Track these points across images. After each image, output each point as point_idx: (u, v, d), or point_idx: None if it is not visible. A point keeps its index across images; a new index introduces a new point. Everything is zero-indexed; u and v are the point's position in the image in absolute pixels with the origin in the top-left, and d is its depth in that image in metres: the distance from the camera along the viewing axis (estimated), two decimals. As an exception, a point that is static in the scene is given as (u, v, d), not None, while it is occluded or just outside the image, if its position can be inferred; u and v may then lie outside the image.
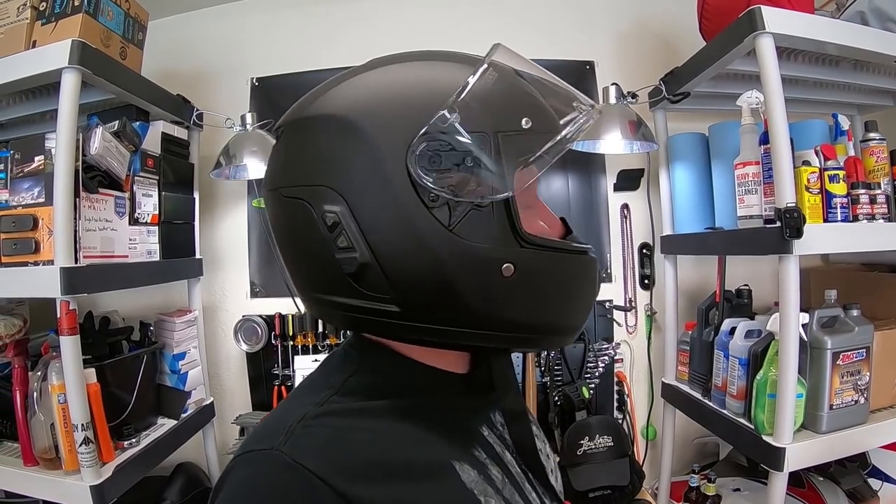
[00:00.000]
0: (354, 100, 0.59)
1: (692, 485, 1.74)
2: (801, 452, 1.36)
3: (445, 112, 0.54)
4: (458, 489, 0.55)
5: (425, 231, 0.55)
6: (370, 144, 0.55)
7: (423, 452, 0.56)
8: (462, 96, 0.54)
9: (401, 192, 0.55)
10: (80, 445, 1.32)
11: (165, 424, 1.72)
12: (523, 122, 0.57)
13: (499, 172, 0.55)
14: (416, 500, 0.52)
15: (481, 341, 0.59)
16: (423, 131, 0.54)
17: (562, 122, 0.60)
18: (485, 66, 0.56)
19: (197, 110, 1.90)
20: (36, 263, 1.34)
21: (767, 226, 1.41)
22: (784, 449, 1.34)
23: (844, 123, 1.56)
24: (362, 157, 0.56)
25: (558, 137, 0.58)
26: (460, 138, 0.54)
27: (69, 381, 1.31)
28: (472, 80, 0.54)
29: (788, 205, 1.30)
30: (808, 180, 1.37)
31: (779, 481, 1.37)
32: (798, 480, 1.68)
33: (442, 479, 0.55)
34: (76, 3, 1.41)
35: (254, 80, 2.14)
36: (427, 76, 0.60)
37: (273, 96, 2.13)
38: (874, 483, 1.68)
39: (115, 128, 1.50)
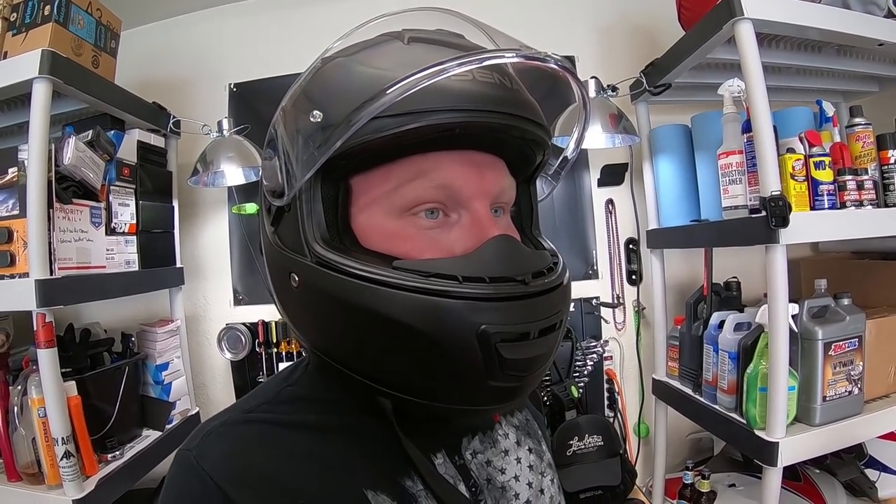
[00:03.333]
0: None
1: (686, 481, 1.72)
2: (795, 446, 1.34)
3: (275, 118, 0.56)
4: None
5: (262, 235, 0.61)
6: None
7: (332, 476, 0.53)
8: (285, 101, 0.55)
9: (261, 196, 0.60)
10: (62, 459, 1.31)
11: (150, 436, 1.70)
12: (312, 115, 0.50)
13: (292, 171, 0.52)
14: None
15: (324, 356, 0.57)
16: (271, 131, 0.57)
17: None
18: (313, 64, 0.55)
19: (174, 117, 1.88)
20: (12, 276, 1.32)
21: (753, 216, 1.39)
22: (777, 443, 1.32)
23: (829, 110, 1.54)
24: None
25: (355, 121, 0.47)
26: (280, 141, 0.54)
27: (48, 395, 1.29)
28: (294, 86, 0.55)
29: (773, 193, 1.28)
30: (793, 168, 1.35)
31: (773, 476, 1.35)
32: (794, 474, 1.66)
33: None
34: (45, 13, 1.40)
35: (232, 86, 2.14)
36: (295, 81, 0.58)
37: (252, 102, 2.12)
38: (871, 473, 1.66)
39: (89, 137, 1.48)
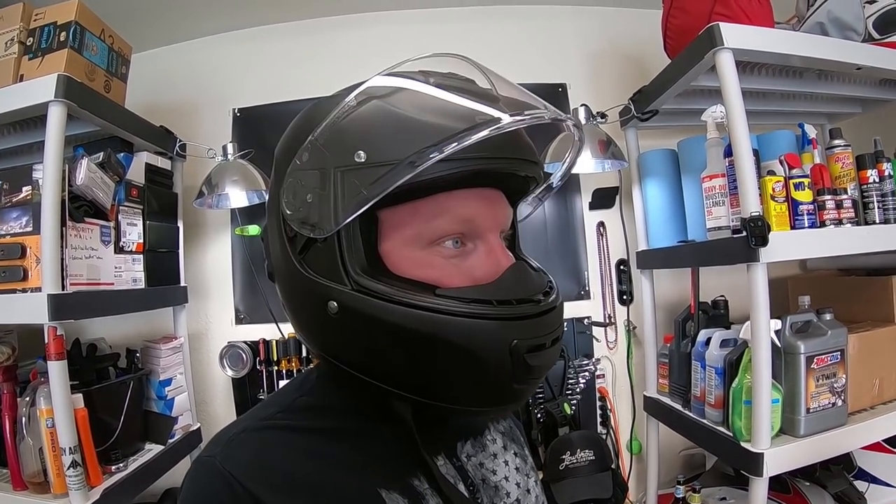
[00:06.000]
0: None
1: (678, 496, 1.74)
2: (780, 457, 1.38)
3: (304, 148, 0.59)
4: None
5: (283, 260, 0.62)
6: (273, 175, 0.64)
7: (349, 476, 0.58)
8: (315, 134, 0.58)
9: (275, 221, 0.63)
10: (69, 469, 1.33)
11: (153, 450, 1.72)
12: (357, 155, 0.54)
13: (334, 208, 0.55)
14: None
15: (359, 373, 0.61)
16: (289, 168, 0.60)
17: (444, 142, 0.52)
18: (341, 103, 0.58)
19: (180, 141, 1.93)
20: (24, 291, 1.36)
21: (735, 236, 1.44)
22: (762, 454, 1.36)
23: (811, 132, 1.60)
24: (272, 187, 0.64)
25: (404, 166, 0.52)
26: (310, 174, 0.58)
27: (57, 405, 1.32)
28: (328, 117, 0.57)
29: (753, 214, 1.34)
30: (773, 189, 1.41)
31: (759, 486, 1.38)
32: (784, 486, 1.68)
33: None
34: (62, 39, 1.47)
35: (235, 111, 2.19)
36: (317, 113, 0.61)
37: (254, 126, 2.18)
38: (860, 485, 1.68)
39: (100, 159, 1.53)
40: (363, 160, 0.54)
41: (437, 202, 0.58)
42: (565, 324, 1.98)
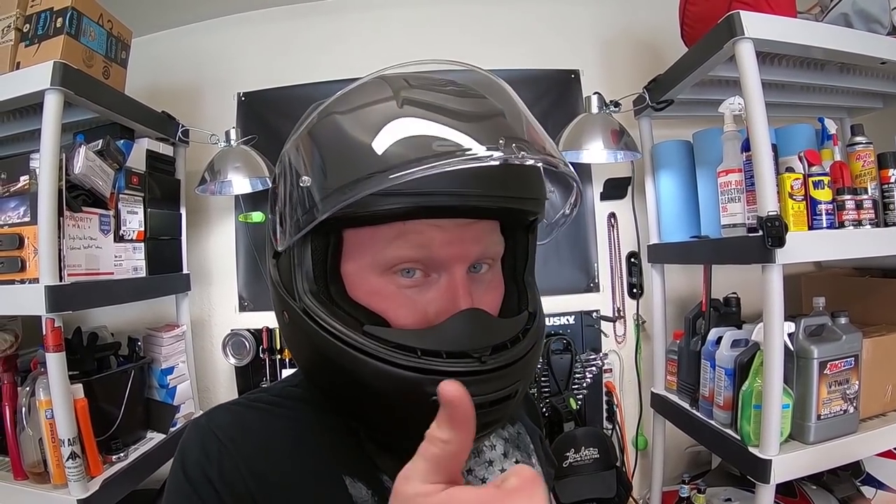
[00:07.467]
0: None
1: (682, 495, 1.72)
2: (788, 464, 1.35)
3: (280, 159, 0.59)
4: (336, 495, 0.58)
5: (268, 260, 0.64)
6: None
7: (315, 457, 0.60)
8: (287, 146, 0.58)
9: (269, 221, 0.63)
10: (67, 460, 1.33)
11: (154, 438, 1.73)
12: (301, 180, 0.53)
13: (288, 226, 0.56)
14: (285, 483, 0.57)
15: (308, 380, 0.65)
16: (275, 172, 0.61)
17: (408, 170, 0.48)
18: (310, 117, 0.57)
19: (182, 127, 1.91)
20: (22, 282, 1.35)
21: (750, 234, 1.40)
22: (770, 461, 1.33)
23: (831, 127, 1.55)
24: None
25: (334, 195, 0.50)
26: (280, 186, 0.58)
27: (55, 397, 1.32)
28: (298, 130, 0.57)
29: (770, 213, 1.29)
30: (792, 187, 1.36)
31: (766, 493, 1.36)
32: (790, 490, 1.66)
33: (323, 483, 0.58)
34: (58, 25, 1.43)
35: (240, 95, 2.16)
36: (302, 121, 0.61)
37: (260, 111, 2.14)
38: (868, 491, 1.66)
39: (99, 147, 1.51)
40: (307, 185, 0.53)
41: (395, 228, 0.54)
42: (572, 318, 2.03)
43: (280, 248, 0.57)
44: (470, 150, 0.49)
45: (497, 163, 0.49)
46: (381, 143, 0.50)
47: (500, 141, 0.50)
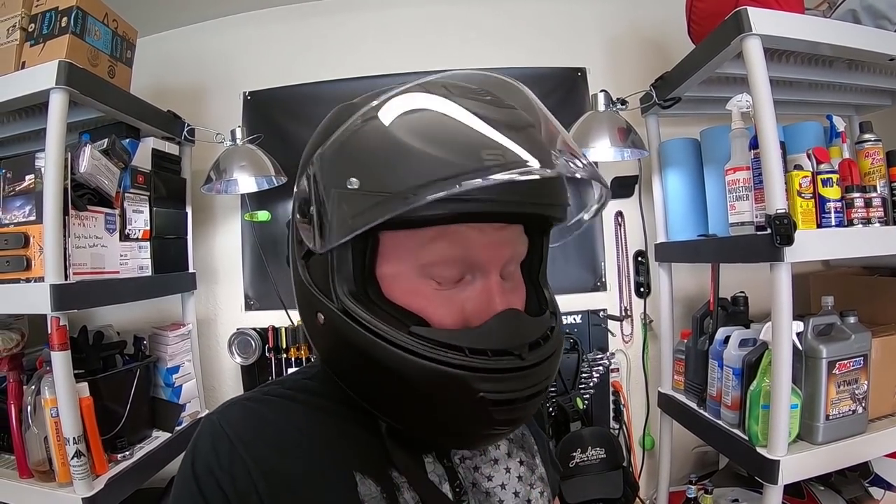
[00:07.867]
0: None
1: (689, 496, 1.71)
2: (796, 464, 1.34)
3: (313, 161, 0.58)
4: (343, 494, 0.59)
5: (292, 257, 0.66)
6: (299, 169, 0.64)
7: (327, 451, 0.61)
8: (324, 147, 0.57)
9: (293, 216, 0.64)
10: (73, 458, 1.34)
11: (160, 437, 1.73)
12: (349, 182, 0.53)
13: (328, 228, 0.55)
14: (295, 482, 0.58)
15: (340, 381, 0.63)
16: (306, 172, 0.60)
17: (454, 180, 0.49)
18: (352, 117, 0.56)
19: (188, 125, 1.91)
20: (28, 280, 1.36)
21: (759, 233, 1.39)
22: (778, 461, 1.32)
23: (839, 125, 1.53)
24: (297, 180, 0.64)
25: (397, 201, 0.50)
26: (314, 188, 0.58)
27: (61, 396, 1.32)
28: (337, 131, 0.56)
29: (778, 211, 1.27)
30: (800, 185, 1.35)
31: (774, 494, 1.35)
32: (797, 490, 1.64)
33: (333, 482, 0.59)
34: (63, 25, 1.43)
35: (246, 94, 2.16)
36: (335, 121, 0.60)
37: (266, 110, 2.14)
38: (876, 492, 1.64)
39: (105, 146, 1.51)
40: (355, 187, 0.53)
41: (435, 231, 0.56)
42: (579, 317, 2.03)
43: (320, 250, 0.57)
44: (527, 161, 0.51)
45: (553, 175, 0.55)
46: (442, 150, 0.52)
47: (553, 153, 0.54)
